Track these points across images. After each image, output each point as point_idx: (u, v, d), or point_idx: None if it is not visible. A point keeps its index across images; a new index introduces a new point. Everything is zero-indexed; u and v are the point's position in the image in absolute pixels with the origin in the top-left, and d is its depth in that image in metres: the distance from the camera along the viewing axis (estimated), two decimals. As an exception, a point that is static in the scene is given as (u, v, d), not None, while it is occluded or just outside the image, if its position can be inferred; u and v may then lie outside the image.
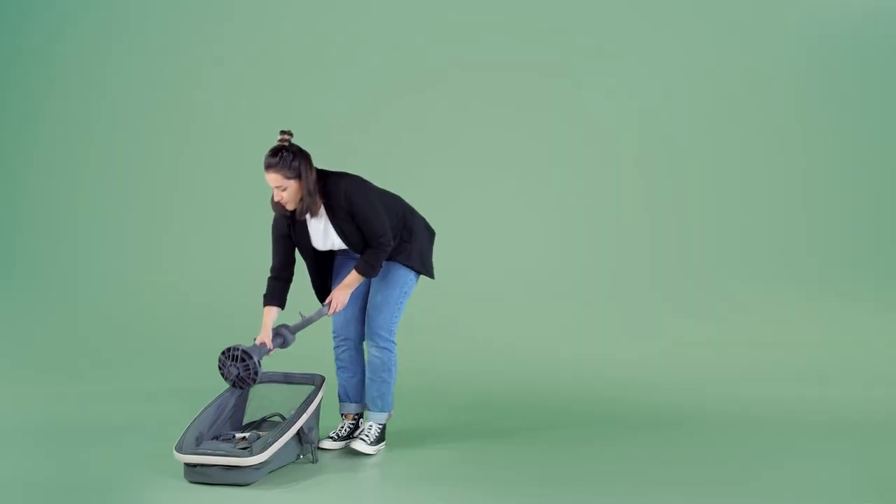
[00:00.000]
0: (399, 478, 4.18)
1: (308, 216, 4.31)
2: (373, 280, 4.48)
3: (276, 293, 4.42)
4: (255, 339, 4.33)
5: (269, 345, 4.32)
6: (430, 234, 4.67)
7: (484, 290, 6.88)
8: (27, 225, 7.36)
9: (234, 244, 7.19)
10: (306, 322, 4.41)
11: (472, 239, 6.98)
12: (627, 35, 7.12)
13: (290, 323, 4.43)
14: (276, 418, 4.44)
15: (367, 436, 4.46)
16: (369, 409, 4.52)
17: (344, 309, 4.47)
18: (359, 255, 4.38)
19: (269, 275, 4.44)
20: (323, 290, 4.55)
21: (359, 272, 4.33)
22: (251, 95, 7.31)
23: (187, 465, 4.01)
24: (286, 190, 4.20)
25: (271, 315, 4.39)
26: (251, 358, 4.21)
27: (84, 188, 7.38)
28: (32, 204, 7.40)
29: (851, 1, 7.08)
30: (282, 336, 4.40)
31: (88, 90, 7.42)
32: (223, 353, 4.24)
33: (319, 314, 4.37)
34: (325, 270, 4.54)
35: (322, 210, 4.32)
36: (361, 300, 4.55)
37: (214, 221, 7.24)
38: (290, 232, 4.39)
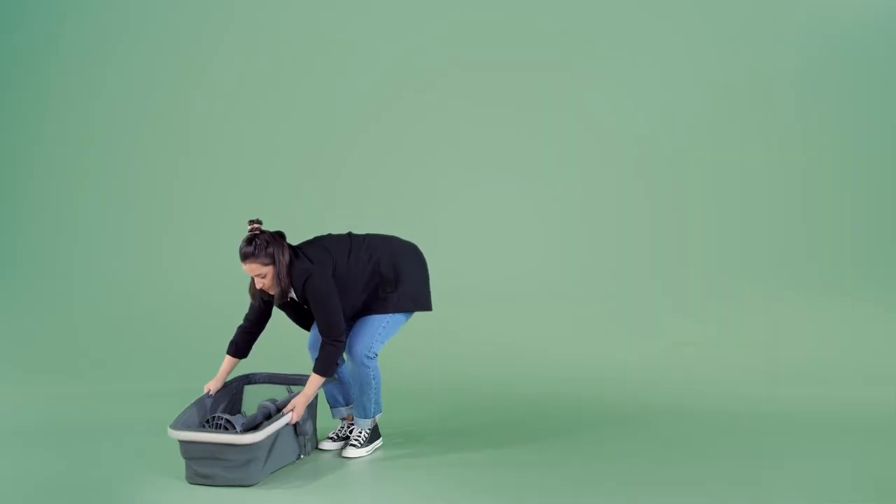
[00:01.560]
0: (399, 478, 4.18)
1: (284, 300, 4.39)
2: (368, 303, 4.47)
3: (242, 345, 4.56)
4: (205, 387, 4.45)
5: (213, 390, 4.45)
6: (421, 262, 4.63)
7: (484, 290, 6.88)
8: (27, 225, 7.36)
9: (234, 244, 7.17)
10: (277, 410, 4.42)
11: (471, 239, 6.98)
12: (628, 35, 7.12)
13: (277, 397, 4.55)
14: (269, 402, 4.49)
15: (356, 440, 4.50)
16: (355, 416, 4.55)
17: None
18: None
19: (241, 323, 4.58)
20: (304, 324, 4.65)
21: (316, 373, 4.33)
22: (251, 95, 7.30)
23: (189, 464, 4.01)
24: (265, 277, 4.30)
25: (229, 364, 4.53)
26: (233, 427, 4.20)
27: (84, 188, 7.38)
28: (32, 204, 7.40)
29: (852, 1, 7.08)
30: (266, 408, 4.46)
31: (88, 90, 7.42)
32: (207, 421, 4.26)
33: (277, 427, 4.19)
34: (304, 315, 4.60)
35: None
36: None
37: (214, 221, 7.24)
38: (265, 304, 4.48)
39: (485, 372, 6.19)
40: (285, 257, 4.26)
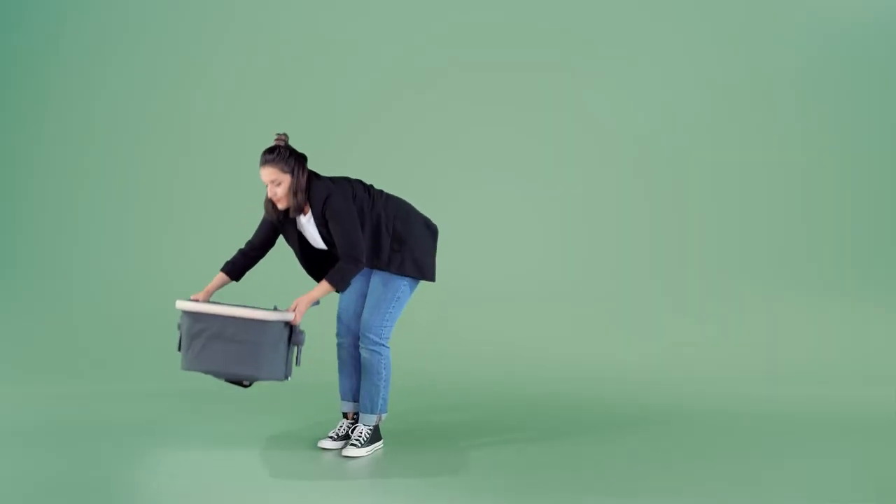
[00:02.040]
0: (398, 478, 4.18)
1: (304, 215, 4.37)
2: (372, 283, 4.48)
3: (238, 266, 4.50)
4: (191, 298, 4.32)
5: (200, 298, 4.31)
6: (431, 233, 4.64)
7: (484, 290, 6.88)
8: (27, 225, 7.36)
9: (234, 244, 7.18)
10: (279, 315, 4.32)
11: (472, 239, 6.98)
12: (628, 35, 7.12)
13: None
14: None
15: (357, 440, 4.48)
16: (361, 411, 4.54)
17: (346, 310, 4.54)
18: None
19: (241, 247, 4.54)
20: (312, 273, 4.55)
21: (329, 282, 4.32)
22: (251, 95, 7.31)
23: (189, 348, 4.08)
24: (280, 185, 4.26)
25: (220, 281, 4.46)
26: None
27: (84, 188, 7.38)
28: (32, 204, 7.40)
29: (852, 1, 7.08)
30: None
31: (88, 90, 7.43)
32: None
33: (283, 317, 4.22)
34: (312, 258, 4.53)
35: (310, 215, 4.37)
36: (363, 302, 4.56)
37: (214, 221, 7.24)
38: (278, 220, 4.43)
39: (485, 372, 6.20)
40: (304, 174, 4.28)
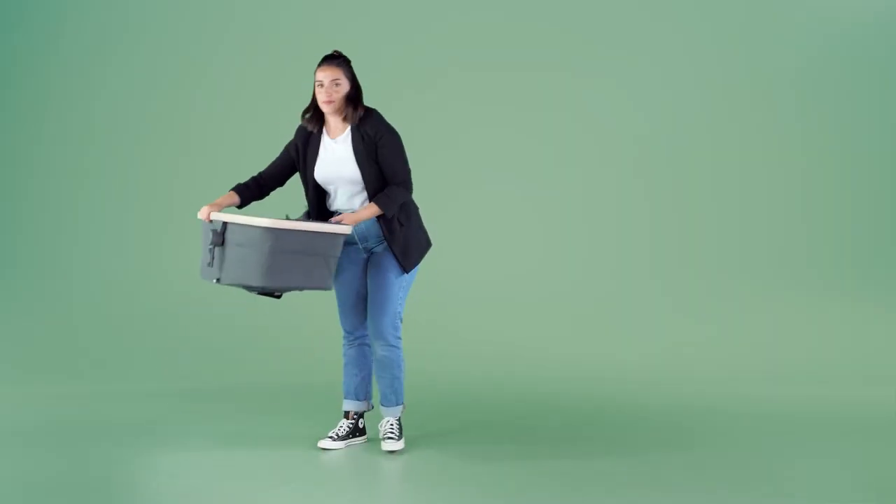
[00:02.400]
0: (398, 477, 4.18)
1: (331, 138, 4.37)
2: (371, 278, 4.46)
3: (249, 191, 4.50)
4: (200, 213, 4.33)
5: (205, 215, 4.28)
6: (416, 209, 4.59)
7: (484, 290, 6.88)
8: (27, 225, 7.36)
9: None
10: (314, 225, 4.27)
11: (472, 239, 6.98)
12: (628, 35, 7.12)
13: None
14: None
15: (393, 433, 4.48)
16: (384, 406, 4.53)
17: (353, 306, 4.52)
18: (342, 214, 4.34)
19: (255, 175, 4.56)
20: (318, 209, 4.52)
21: (377, 204, 4.29)
22: (251, 95, 7.30)
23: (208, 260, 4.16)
24: (339, 86, 4.33)
25: (230, 199, 4.43)
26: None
27: (84, 188, 7.38)
28: (32, 204, 7.40)
29: (852, 1, 7.08)
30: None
31: (88, 90, 7.42)
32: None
33: (338, 230, 4.21)
34: (322, 206, 4.48)
35: (349, 135, 4.35)
36: (365, 299, 4.56)
37: (214, 221, 7.23)
38: (298, 153, 4.44)
39: (485, 372, 6.19)
40: (359, 91, 4.42)
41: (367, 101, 7.24)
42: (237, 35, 7.36)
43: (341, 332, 4.64)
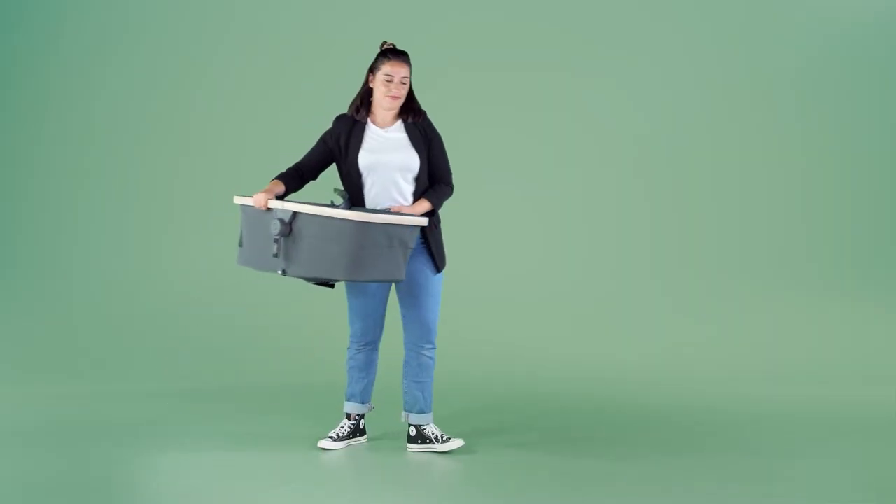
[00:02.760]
0: (399, 478, 4.18)
1: (380, 127, 4.38)
2: (411, 277, 4.39)
3: (292, 181, 4.41)
4: (255, 200, 4.24)
5: (263, 203, 4.20)
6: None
7: (484, 290, 6.88)
8: (27, 225, 7.36)
9: (234, 244, 7.19)
10: (397, 218, 4.18)
11: (471, 239, 6.97)
12: (628, 35, 7.12)
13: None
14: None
15: (437, 438, 4.48)
16: (423, 412, 4.49)
17: (374, 311, 4.48)
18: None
19: (293, 164, 4.45)
20: (355, 195, 4.42)
21: (429, 200, 4.35)
22: (251, 95, 7.30)
23: (245, 255, 4.17)
24: (405, 83, 4.37)
25: (279, 188, 4.33)
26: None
27: (84, 188, 7.38)
28: (32, 204, 7.40)
29: (852, 1, 7.08)
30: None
31: (88, 90, 7.42)
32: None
33: (418, 221, 4.20)
34: (356, 199, 4.38)
35: (401, 126, 4.40)
36: (384, 304, 4.54)
37: (214, 221, 7.23)
38: (340, 141, 4.38)
39: (485, 372, 6.19)
40: None
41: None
42: (237, 35, 7.35)
43: (349, 337, 4.60)
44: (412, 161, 4.36)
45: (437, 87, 7.16)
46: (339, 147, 4.40)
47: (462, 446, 4.48)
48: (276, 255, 4.14)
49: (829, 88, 7.01)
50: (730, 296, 6.77)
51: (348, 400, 4.62)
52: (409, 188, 4.38)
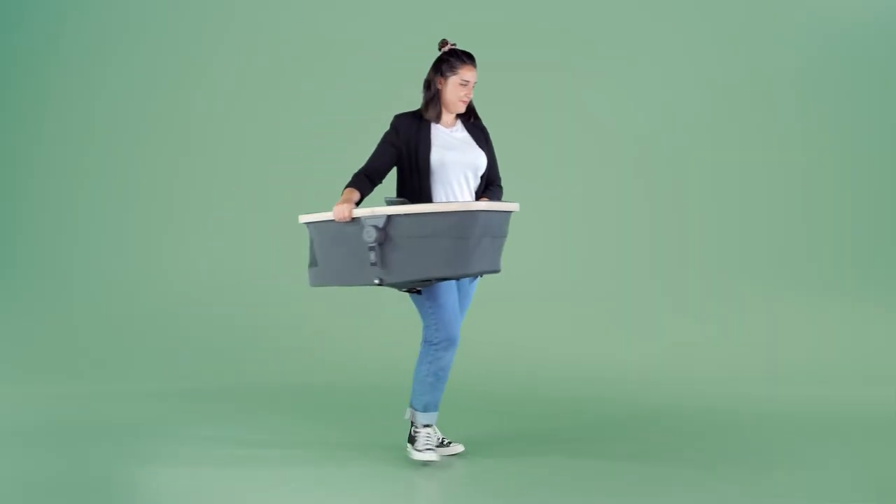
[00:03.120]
0: (400, 478, 4.18)
1: (446, 128, 4.34)
2: (468, 285, 4.36)
3: (365, 188, 4.21)
4: (340, 214, 4.01)
5: (348, 215, 4.00)
6: None
7: (484, 290, 6.86)
8: (27, 225, 7.36)
9: (234, 244, 7.20)
10: (500, 205, 4.04)
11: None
12: (628, 35, 7.12)
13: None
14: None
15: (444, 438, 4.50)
16: (434, 412, 4.42)
17: (455, 308, 4.25)
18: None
19: (360, 170, 4.27)
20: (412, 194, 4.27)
21: (492, 199, 4.29)
22: (251, 95, 7.31)
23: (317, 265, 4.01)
24: (472, 88, 4.35)
25: (354, 195, 4.13)
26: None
27: (84, 188, 7.38)
28: (32, 204, 7.40)
29: (852, 1, 7.08)
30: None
31: (88, 90, 7.42)
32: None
33: (509, 207, 4.06)
34: (422, 196, 4.22)
35: (462, 126, 4.38)
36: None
37: (214, 221, 7.24)
38: (409, 142, 4.28)
39: (485, 372, 6.19)
40: None
41: (368, 100, 7.29)
42: (237, 35, 7.36)
43: (437, 343, 4.23)
44: (481, 160, 4.32)
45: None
46: (407, 147, 4.30)
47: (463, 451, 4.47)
48: (374, 264, 3.96)
49: (829, 88, 7.02)
50: (730, 296, 6.77)
51: (431, 409, 4.33)
52: (474, 187, 4.32)
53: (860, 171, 6.98)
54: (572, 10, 7.10)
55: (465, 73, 4.30)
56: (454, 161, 4.25)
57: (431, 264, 3.92)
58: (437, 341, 4.21)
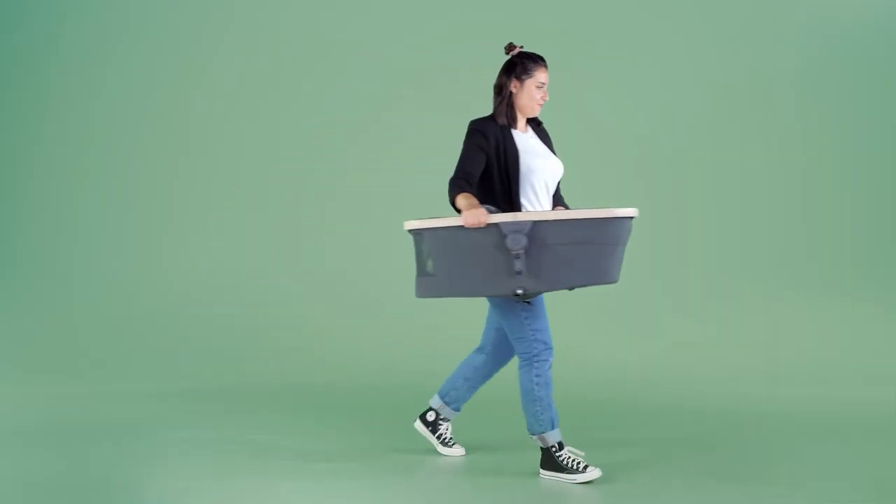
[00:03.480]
0: (400, 478, 4.18)
1: (521, 133, 4.24)
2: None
3: (473, 192, 4.02)
4: (477, 220, 3.79)
5: (485, 219, 3.78)
6: None
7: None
8: (27, 225, 7.36)
9: (234, 244, 7.20)
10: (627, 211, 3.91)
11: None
12: (628, 35, 7.12)
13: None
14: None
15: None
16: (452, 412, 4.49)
17: (545, 315, 4.15)
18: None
19: (458, 178, 4.03)
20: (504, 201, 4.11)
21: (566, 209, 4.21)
22: (251, 95, 7.31)
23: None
24: (546, 89, 4.25)
25: (475, 200, 3.92)
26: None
27: (84, 188, 7.38)
28: (32, 204, 7.40)
29: (852, 1, 7.08)
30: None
31: (88, 90, 7.42)
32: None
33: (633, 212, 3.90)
34: (506, 204, 4.08)
35: (532, 132, 4.30)
36: None
37: (214, 221, 7.24)
38: (498, 148, 4.15)
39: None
40: None
41: (368, 100, 7.30)
42: (237, 35, 7.36)
43: (541, 353, 4.09)
44: (560, 168, 4.24)
45: (438, 87, 7.19)
46: (496, 152, 4.17)
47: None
48: (519, 273, 3.76)
49: (829, 88, 7.02)
50: (730, 296, 6.76)
51: (554, 427, 4.10)
52: (551, 193, 4.23)
53: (860, 171, 6.98)
54: (572, 10, 7.10)
55: (541, 75, 4.23)
56: (541, 168, 4.14)
57: (576, 272, 3.80)
58: (537, 351, 4.07)
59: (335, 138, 7.21)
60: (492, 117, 4.28)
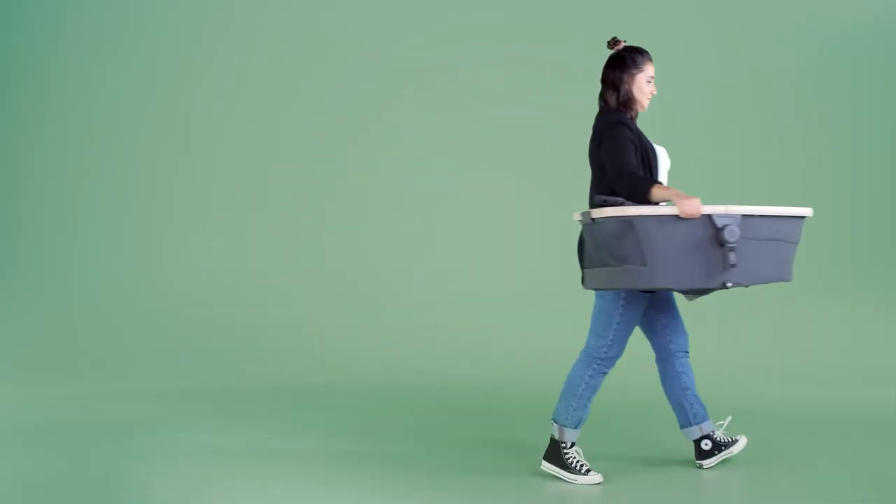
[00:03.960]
0: (401, 478, 4.18)
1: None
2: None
3: None
4: (691, 210, 3.71)
5: (698, 209, 3.73)
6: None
7: (485, 290, 6.87)
8: (27, 225, 7.36)
9: (234, 244, 7.20)
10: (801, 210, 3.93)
11: (472, 239, 6.97)
12: (628, 35, 7.10)
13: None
14: None
15: (725, 441, 4.32)
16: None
17: (633, 330, 4.20)
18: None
19: (633, 173, 3.95)
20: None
21: None
22: (251, 95, 7.31)
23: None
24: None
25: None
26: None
27: (84, 188, 7.38)
28: (32, 204, 7.40)
29: (852, 1, 7.08)
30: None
31: (88, 90, 7.42)
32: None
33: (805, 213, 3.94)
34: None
35: None
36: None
37: (214, 221, 7.24)
38: (640, 140, 4.15)
39: (484, 372, 6.19)
40: None
41: (368, 100, 7.30)
42: (237, 35, 7.36)
43: (607, 358, 4.17)
44: (664, 162, 4.22)
45: (438, 87, 7.19)
46: (641, 146, 4.15)
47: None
48: (733, 266, 3.72)
49: (829, 88, 7.02)
50: (730, 296, 6.75)
51: (578, 426, 4.11)
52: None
53: (860, 171, 6.98)
54: (572, 10, 7.10)
55: (650, 69, 4.24)
56: (664, 163, 4.19)
57: (770, 268, 3.84)
58: (604, 356, 4.11)
59: (335, 138, 7.21)
60: (618, 111, 4.15)
